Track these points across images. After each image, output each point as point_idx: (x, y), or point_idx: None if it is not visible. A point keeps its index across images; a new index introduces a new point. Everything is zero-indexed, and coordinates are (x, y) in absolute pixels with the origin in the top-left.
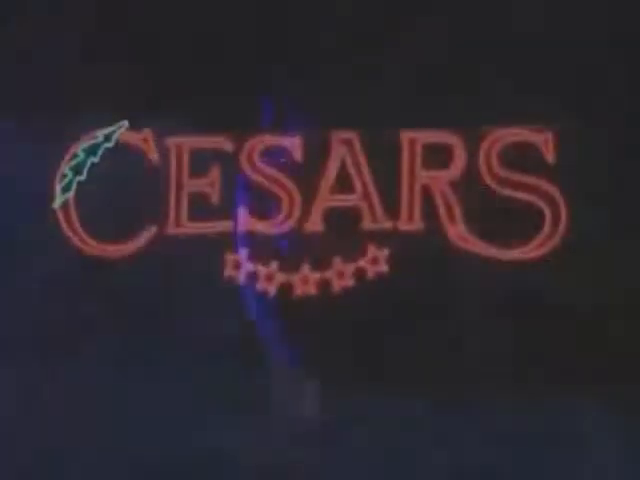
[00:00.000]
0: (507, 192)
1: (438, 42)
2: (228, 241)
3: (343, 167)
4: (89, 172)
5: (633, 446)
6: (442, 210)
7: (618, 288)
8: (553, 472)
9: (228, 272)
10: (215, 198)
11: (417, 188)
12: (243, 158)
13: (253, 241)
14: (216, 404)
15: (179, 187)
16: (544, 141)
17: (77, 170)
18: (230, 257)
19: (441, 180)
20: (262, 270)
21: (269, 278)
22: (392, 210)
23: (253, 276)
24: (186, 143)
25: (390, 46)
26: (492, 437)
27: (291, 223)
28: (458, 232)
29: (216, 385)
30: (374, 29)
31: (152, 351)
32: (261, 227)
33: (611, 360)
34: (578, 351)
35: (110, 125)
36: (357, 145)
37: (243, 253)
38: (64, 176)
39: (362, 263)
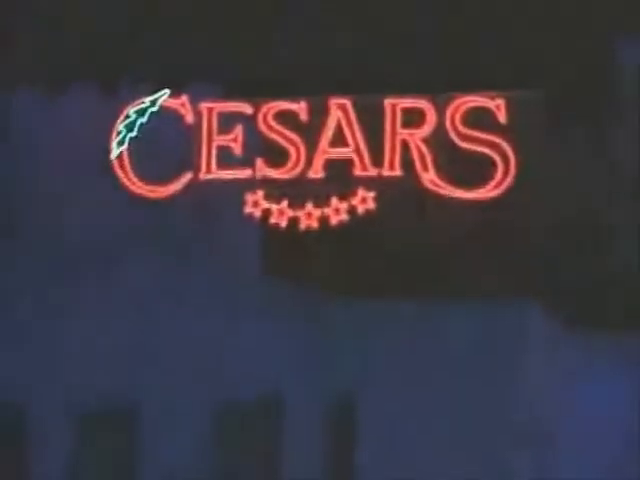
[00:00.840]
0: (468, 146)
1: (418, 16)
2: (248, 185)
3: (339, 126)
4: (139, 129)
5: None
6: (417, 160)
7: (561, 217)
8: None
9: (248, 209)
10: (238, 151)
11: (397, 143)
12: (260, 119)
13: (268, 184)
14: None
15: (209, 142)
16: (497, 106)
17: (129, 128)
18: (250, 197)
19: (416, 136)
20: (275, 207)
21: (281, 213)
22: (377, 160)
23: (269, 211)
24: (215, 107)
25: (375, 24)
26: None
27: (297, 170)
28: (430, 178)
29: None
30: (362, 11)
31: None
32: (274, 173)
33: (558, 272)
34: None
35: (155, 93)
36: (350, 109)
37: (260, 194)
38: (119, 133)
39: (354, 202)
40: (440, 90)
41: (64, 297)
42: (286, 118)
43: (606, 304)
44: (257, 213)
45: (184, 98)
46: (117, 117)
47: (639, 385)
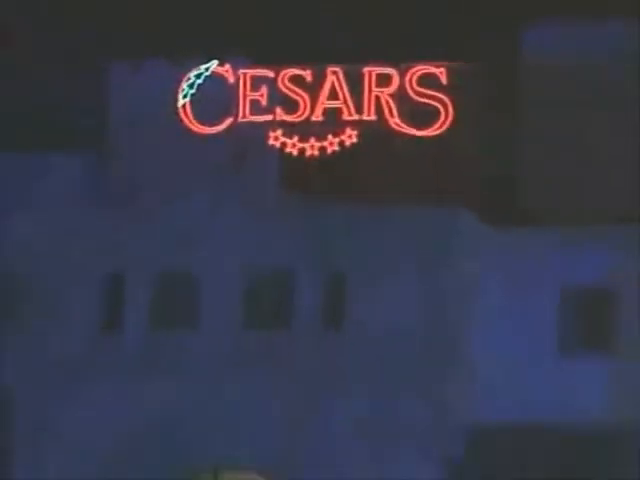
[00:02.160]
0: (422, 99)
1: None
2: (270, 125)
3: (333, 85)
4: (197, 88)
5: None
6: (385, 109)
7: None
8: None
9: (270, 142)
10: (263, 102)
11: (372, 97)
12: (279, 80)
13: (284, 125)
14: None
15: (244, 97)
16: (440, 72)
17: (190, 87)
18: (272, 134)
19: (385, 93)
20: (289, 141)
21: (293, 146)
22: (359, 109)
23: (285, 144)
24: (247, 72)
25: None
26: None
27: (304, 116)
28: (394, 121)
29: None
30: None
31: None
32: (288, 118)
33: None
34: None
35: (207, 62)
36: (340, 74)
37: (279, 132)
38: (183, 89)
39: (343, 138)
40: (402, 60)
41: None
42: (297, 80)
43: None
44: (277, 145)
45: (227, 66)
46: (182, 80)
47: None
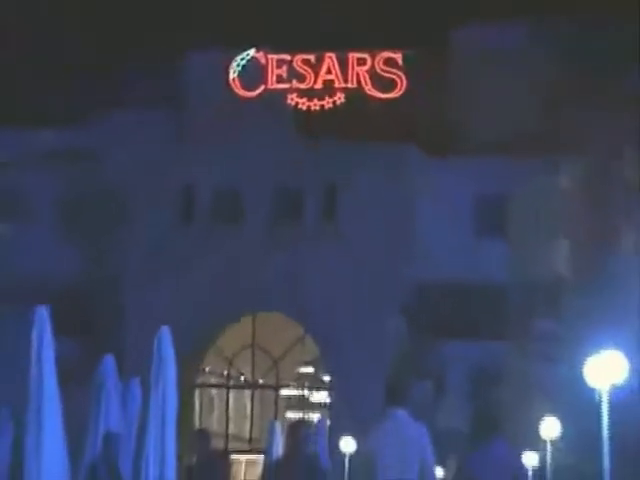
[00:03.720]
0: (386, 74)
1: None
2: (289, 90)
3: (329, 65)
4: (242, 67)
5: None
6: (363, 80)
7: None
8: None
9: (288, 101)
10: (284, 76)
11: (354, 72)
12: (294, 62)
13: (298, 90)
14: None
15: (272, 72)
16: (398, 56)
17: (237, 65)
18: (289, 96)
19: (362, 70)
20: (300, 101)
21: (303, 104)
22: (345, 79)
23: (297, 103)
24: (273, 56)
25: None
26: None
27: (310, 85)
28: (368, 87)
29: None
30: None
31: None
32: (300, 85)
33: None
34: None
35: (247, 49)
36: (334, 58)
37: (294, 94)
38: (233, 67)
39: (335, 99)
40: (373, 48)
41: None
42: (305, 61)
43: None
44: (292, 103)
45: (261, 52)
46: (231, 62)
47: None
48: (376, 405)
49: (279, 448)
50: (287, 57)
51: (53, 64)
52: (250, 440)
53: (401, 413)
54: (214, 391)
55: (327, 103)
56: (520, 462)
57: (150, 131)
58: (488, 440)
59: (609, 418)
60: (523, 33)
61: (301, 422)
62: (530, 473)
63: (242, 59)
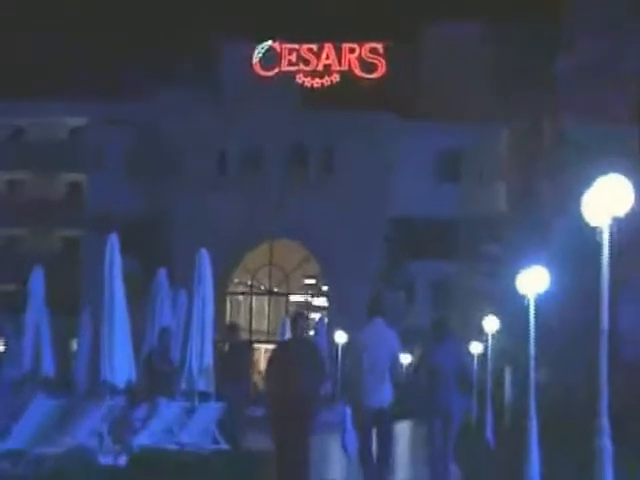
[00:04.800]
0: (370, 60)
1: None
2: (297, 72)
3: (327, 53)
4: (263, 53)
5: None
6: (353, 65)
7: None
8: None
9: (297, 80)
10: (294, 61)
11: (347, 58)
12: (300, 50)
13: (303, 72)
14: None
15: (284, 58)
16: (380, 46)
17: (259, 52)
18: (297, 76)
19: (353, 57)
20: (306, 79)
21: (308, 82)
22: (340, 64)
23: (304, 81)
24: (285, 46)
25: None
26: None
27: (313, 68)
28: (357, 70)
29: None
30: None
31: None
32: (305, 69)
33: None
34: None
35: (266, 40)
36: (331, 47)
37: (301, 74)
38: (257, 54)
39: (332, 78)
40: (361, 39)
41: None
42: (310, 50)
43: None
44: (300, 81)
45: (277, 42)
46: (254, 50)
47: None
48: (361, 308)
49: (287, 337)
50: (296, 46)
51: (120, 50)
52: (268, 333)
53: (379, 320)
54: (241, 297)
55: (326, 82)
56: (464, 354)
57: (192, 103)
58: (443, 338)
59: (535, 316)
60: (477, 30)
61: (300, 313)
62: (475, 358)
63: (262, 48)
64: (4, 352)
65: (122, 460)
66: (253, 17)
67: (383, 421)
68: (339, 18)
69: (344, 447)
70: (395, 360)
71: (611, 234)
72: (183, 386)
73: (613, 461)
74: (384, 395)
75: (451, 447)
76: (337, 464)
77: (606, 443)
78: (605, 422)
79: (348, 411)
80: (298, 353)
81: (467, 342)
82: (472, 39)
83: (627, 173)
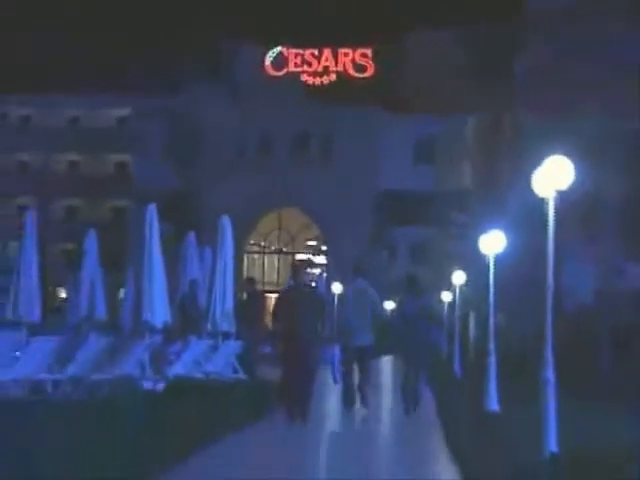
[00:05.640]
0: (361, 62)
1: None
2: (301, 72)
3: (326, 56)
4: (273, 56)
5: None
6: (347, 66)
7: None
8: None
9: (302, 79)
10: (299, 63)
11: (342, 60)
12: (305, 54)
13: (305, 72)
14: None
15: (291, 60)
16: (369, 51)
17: (270, 57)
18: (303, 75)
19: (347, 59)
20: (310, 78)
21: (311, 80)
22: (337, 65)
23: (307, 79)
24: (291, 51)
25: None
26: None
27: (315, 69)
28: (350, 71)
29: None
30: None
31: None
32: (309, 70)
33: None
34: None
35: (276, 46)
36: (329, 51)
37: (305, 74)
38: (269, 57)
39: (330, 77)
40: (353, 45)
41: None
42: (312, 54)
43: None
44: (304, 80)
45: (284, 48)
46: (267, 54)
47: None
48: (353, 264)
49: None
50: (301, 51)
51: (159, 55)
52: (277, 284)
53: (360, 280)
54: (255, 256)
55: (325, 80)
56: (432, 304)
57: (216, 98)
58: (413, 291)
59: (494, 272)
60: (449, 36)
61: (299, 265)
62: (446, 305)
63: (273, 53)
64: (66, 300)
65: (160, 386)
66: (265, 27)
67: (364, 357)
68: (336, 29)
69: (333, 377)
70: (374, 310)
71: (555, 204)
72: (209, 327)
73: (555, 390)
74: (365, 337)
75: (420, 376)
76: (329, 389)
77: (550, 375)
78: (549, 358)
79: (337, 351)
80: (298, 297)
81: (439, 292)
82: (445, 44)
83: (569, 155)
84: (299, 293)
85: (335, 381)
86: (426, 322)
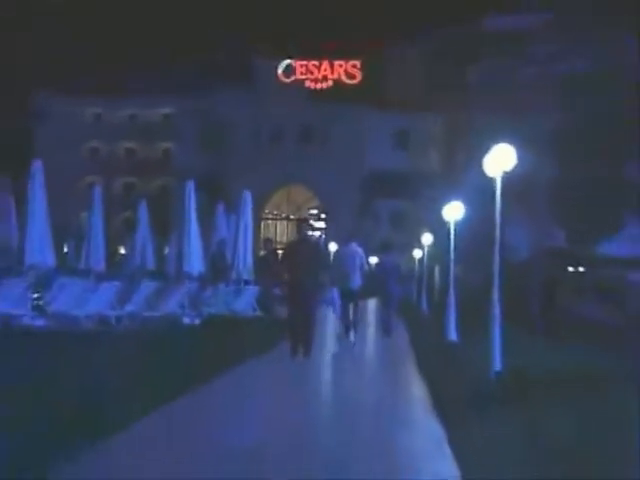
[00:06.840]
0: (351, 72)
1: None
2: (305, 79)
3: (325, 67)
4: (285, 67)
5: None
6: (340, 74)
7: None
8: None
9: (306, 85)
10: (304, 72)
11: (336, 70)
12: (308, 65)
13: (307, 77)
14: None
15: (298, 70)
16: (359, 62)
17: (283, 68)
18: (307, 82)
19: (342, 69)
20: (312, 84)
21: (312, 85)
22: (333, 74)
23: (310, 85)
24: (299, 62)
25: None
26: None
27: (315, 77)
28: (343, 78)
29: None
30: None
31: None
32: (310, 77)
33: None
34: None
35: (286, 59)
36: (327, 63)
37: (308, 81)
38: (281, 67)
39: (327, 83)
40: (345, 57)
41: None
42: (314, 65)
43: None
44: (307, 85)
45: (293, 60)
46: (279, 64)
47: None
48: (345, 229)
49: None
50: (305, 62)
51: (192, 61)
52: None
53: (353, 243)
54: (270, 222)
55: (324, 85)
56: (399, 266)
57: (238, 98)
58: (387, 251)
59: (454, 234)
60: (422, 47)
61: (302, 223)
62: (417, 260)
63: (284, 64)
64: (125, 255)
65: (197, 321)
66: (278, 44)
67: (354, 297)
68: (333, 45)
69: (335, 312)
70: (362, 264)
71: (502, 182)
72: (234, 276)
73: (500, 324)
74: (355, 282)
75: (393, 312)
76: (330, 322)
77: (497, 312)
78: (496, 299)
79: (336, 292)
80: (302, 248)
81: (411, 250)
82: (414, 56)
83: (512, 144)
84: (303, 245)
85: (335, 313)
86: (396, 272)
